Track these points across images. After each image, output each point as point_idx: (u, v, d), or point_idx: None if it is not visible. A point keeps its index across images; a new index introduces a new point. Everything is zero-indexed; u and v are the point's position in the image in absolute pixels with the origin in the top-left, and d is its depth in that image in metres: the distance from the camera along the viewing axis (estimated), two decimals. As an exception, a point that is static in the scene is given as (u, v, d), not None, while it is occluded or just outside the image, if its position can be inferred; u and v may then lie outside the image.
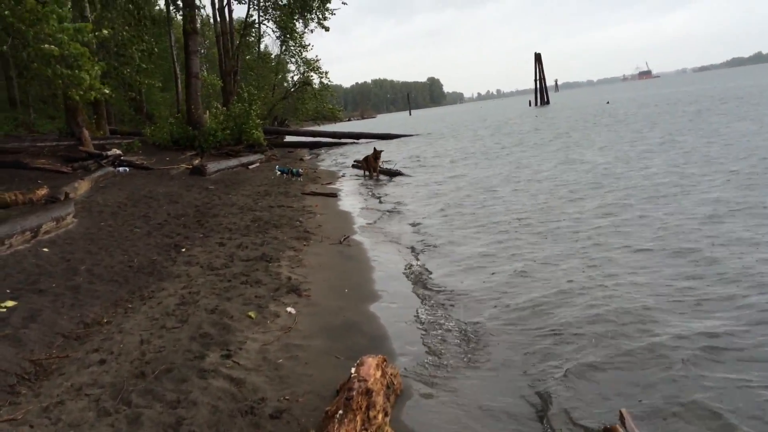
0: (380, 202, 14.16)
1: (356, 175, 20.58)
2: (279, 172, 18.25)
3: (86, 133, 24.13)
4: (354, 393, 3.59)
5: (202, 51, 73.38)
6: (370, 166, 19.89)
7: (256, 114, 30.87)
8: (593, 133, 26.52)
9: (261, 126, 31.19)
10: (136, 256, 8.40)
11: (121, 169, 20.54)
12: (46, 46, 12.09)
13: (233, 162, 23.78)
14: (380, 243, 9.68)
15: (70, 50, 13.01)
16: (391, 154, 27.91)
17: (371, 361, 3.99)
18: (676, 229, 8.33)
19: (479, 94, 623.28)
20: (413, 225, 10.91)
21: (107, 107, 47.14)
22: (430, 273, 7.63)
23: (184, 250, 8.80)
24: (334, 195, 15.19)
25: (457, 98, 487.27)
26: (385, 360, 4.17)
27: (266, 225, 10.73)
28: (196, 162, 23.85)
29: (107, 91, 13.96)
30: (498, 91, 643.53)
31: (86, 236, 9.65)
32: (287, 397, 4.13)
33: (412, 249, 9.02)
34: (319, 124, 55.72)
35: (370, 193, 15.94)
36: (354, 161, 23.37)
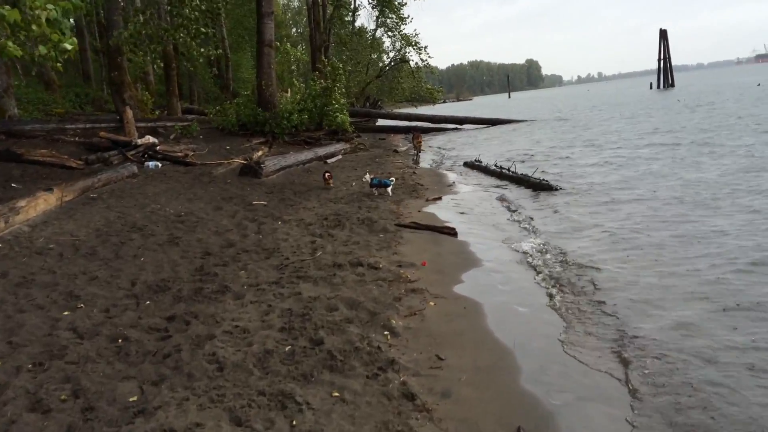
0: (542, 245, 7.59)
1: (478, 185, 13.80)
2: (370, 184, 11.78)
3: (129, 113, 18.95)
4: None
5: (298, 30, 68.74)
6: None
7: (341, 93, 24.68)
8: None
9: (347, 107, 24.99)
10: None
11: (151, 164, 15.01)
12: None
13: (305, 155, 17.77)
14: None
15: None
16: (509, 147, 21.04)
17: None
18: None
19: (579, 77, 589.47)
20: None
21: (190, 84, 43.31)
22: None
23: None
24: (452, 232, 8.66)
25: (556, 81, 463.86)
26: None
27: (321, 361, 4.34)
28: (258, 155, 18.04)
29: (69, 47, 8.08)
30: (599, 74, 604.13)
31: None
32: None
33: None
34: (415, 106, 49.47)
35: (514, 223, 9.31)
36: (475, 160, 16.78)
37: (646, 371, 4.20)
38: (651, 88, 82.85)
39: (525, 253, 7.51)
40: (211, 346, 4.48)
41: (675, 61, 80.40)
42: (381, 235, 8.33)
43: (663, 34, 78.68)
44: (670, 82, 79.49)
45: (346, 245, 7.74)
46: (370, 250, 7.46)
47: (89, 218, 8.80)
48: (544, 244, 7.87)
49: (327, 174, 13.32)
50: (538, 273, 6.65)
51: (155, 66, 28.77)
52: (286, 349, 4.45)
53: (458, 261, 7.20)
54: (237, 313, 5.25)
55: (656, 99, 50.16)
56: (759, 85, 54.59)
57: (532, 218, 9.62)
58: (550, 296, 5.89)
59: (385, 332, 4.87)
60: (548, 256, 7.31)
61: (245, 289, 5.93)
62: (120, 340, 4.64)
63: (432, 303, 5.63)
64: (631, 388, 4.01)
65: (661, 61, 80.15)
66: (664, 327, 4.93)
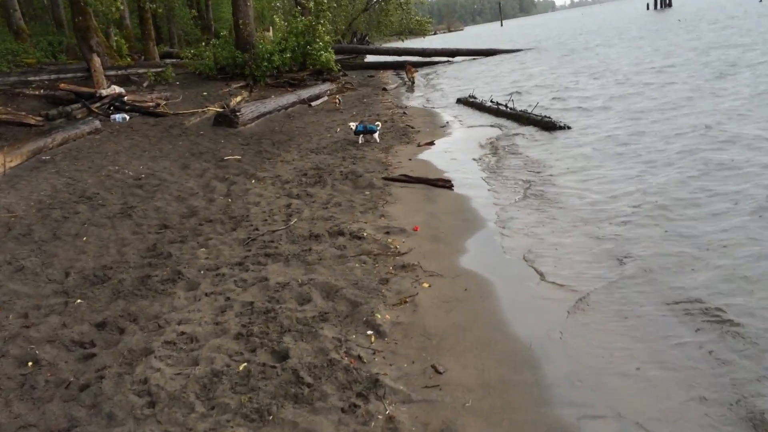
0: (551, 193, 6.52)
1: (474, 124, 12.51)
2: (355, 131, 10.72)
3: (97, 61, 17.45)
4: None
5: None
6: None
7: (326, 30, 23.04)
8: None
9: (332, 45, 23.39)
10: None
11: (117, 117, 13.75)
12: None
13: (287, 99, 16.46)
14: None
15: None
16: (505, 80, 19.64)
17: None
18: None
19: (572, 1, 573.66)
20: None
21: (170, 27, 41.15)
22: None
23: None
24: (448, 185, 7.59)
25: (549, 6, 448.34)
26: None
27: (283, 387, 3.33)
28: (236, 101, 16.73)
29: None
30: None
31: None
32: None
33: None
34: (403, 40, 47.37)
35: (517, 168, 8.15)
36: (469, 96, 15.44)
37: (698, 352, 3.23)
38: (648, 9, 79.67)
39: (535, 207, 6.45)
40: (145, 368, 3.49)
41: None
42: (367, 193, 7.27)
43: (662, -52, 75.05)
44: (667, 2, 76.35)
45: (326, 208, 6.68)
46: (353, 213, 6.41)
47: (34, 187, 7.69)
48: (553, 192, 6.80)
49: (336, 98, 15.48)
50: (551, 233, 5.61)
51: (128, 7, 26.88)
52: (240, 368, 3.45)
53: (457, 222, 6.15)
54: (186, 312, 4.24)
55: (655, 20, 47.96)
56: (761, 1, 52.09)
57: (538, 161, 8.51)
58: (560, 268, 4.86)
59: (369, 332, 3.88)
60: (560, 209, 6.25)
61: (201, 275, 4.91)
62: (30, 363, 3.64)
63: (426, 284, 4.62)
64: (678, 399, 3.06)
65: (659, -21, 76.79)
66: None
